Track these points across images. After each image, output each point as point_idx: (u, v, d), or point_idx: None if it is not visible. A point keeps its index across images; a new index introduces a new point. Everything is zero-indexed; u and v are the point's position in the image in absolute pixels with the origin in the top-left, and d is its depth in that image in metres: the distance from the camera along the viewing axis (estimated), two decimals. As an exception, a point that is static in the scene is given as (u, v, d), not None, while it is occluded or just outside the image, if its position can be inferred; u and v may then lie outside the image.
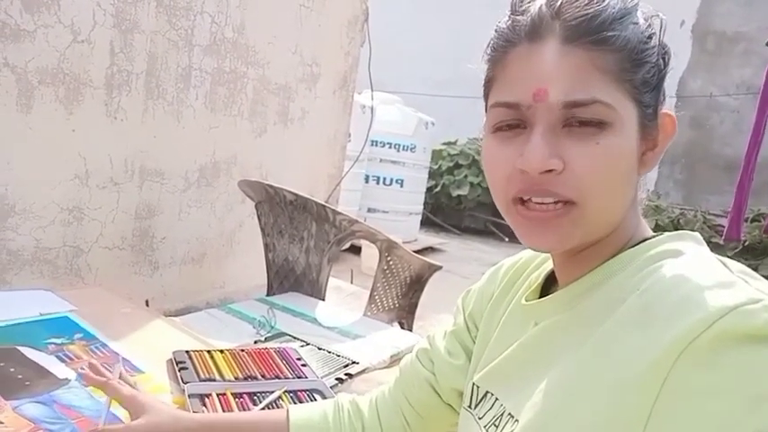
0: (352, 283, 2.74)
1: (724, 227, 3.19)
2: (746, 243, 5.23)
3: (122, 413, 0.87)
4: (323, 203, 1.91)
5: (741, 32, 7.11)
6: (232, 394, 1.00)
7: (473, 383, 0.66)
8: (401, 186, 5.68)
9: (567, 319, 0.55)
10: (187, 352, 1.11)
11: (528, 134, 0.51)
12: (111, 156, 2.00)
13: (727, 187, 5.87)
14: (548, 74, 0.50)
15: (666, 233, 0.55)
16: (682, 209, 6.29)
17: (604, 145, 0.50)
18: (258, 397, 1.01)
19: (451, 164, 7.41)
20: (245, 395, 1.01)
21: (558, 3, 0.50)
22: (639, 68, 0.51)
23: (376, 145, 5.41)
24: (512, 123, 0.53)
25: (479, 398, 0.64)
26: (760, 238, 5.13)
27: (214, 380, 1.03)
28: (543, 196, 0.51)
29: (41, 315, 1.19)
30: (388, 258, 2.00)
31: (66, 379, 0.95)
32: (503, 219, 0.57)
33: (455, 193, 7.24)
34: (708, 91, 7.16)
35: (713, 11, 7.30)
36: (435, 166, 7.19)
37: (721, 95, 7.16)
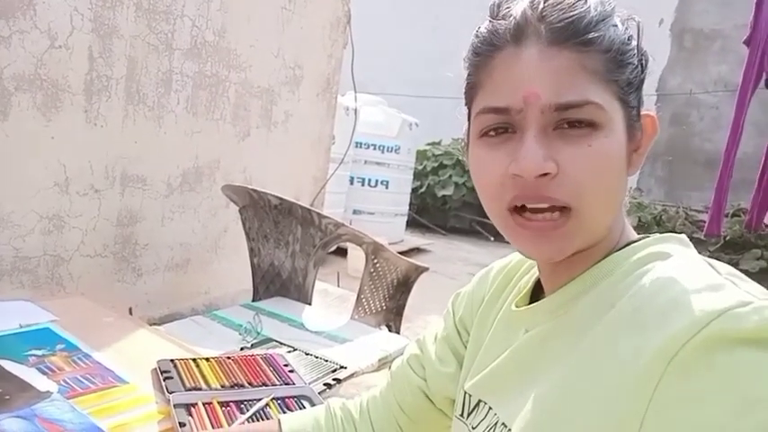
0: (338, 286, 2.73)
1: (705, 222, 3.23)
2: (727, 238, 5.31)
3: (105, 424, 0.86)
4: (308, 207, 1.90)
5: (717, 30, 7.23)
6: (218, 403, 0.99)
7: (465, 391, 0.65)
8: (386, 188, 5.69)
9: (557, 327, 0.54)
10: (172, 361, 1.09)
11: (519, 138, 0.51)
12: (92, 162, 1.97)
13: (707, 183, 5.95)
14: (537, 76, 0.49)
15: (652, 236, 0.55)
16: (664, 205, 6.38)
17: (596, 147, 0.49)
18: (245, 405, 0.99)
19: (436, 164, 7.43)
20: (231, 404, 0.99)
21: (541, 6, 0.50)
22: (624, 69, 0.51)
23: (360, 147, 5.41)
24: (500, 128, 0.52)
25: (472, 406, 0.63)
26: (741, 232, 5.21)
27: (200, 389, 1.02)
28: (538, 202, 0.51)
29: (21, 327, 1.16)
30: (375, 261, 1.99)
31: (48, 392, 0.93)
32: (488, 218, 0.56)
33: (440, 193, 7.26)
34: (687, 88, 7.27)
35: (690, 9, 7.41)
36: (420, 167, 7.21)
37: (700, 92, 7.27)
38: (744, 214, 4.94)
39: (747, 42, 2.61)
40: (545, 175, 0.49)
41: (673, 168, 7.07)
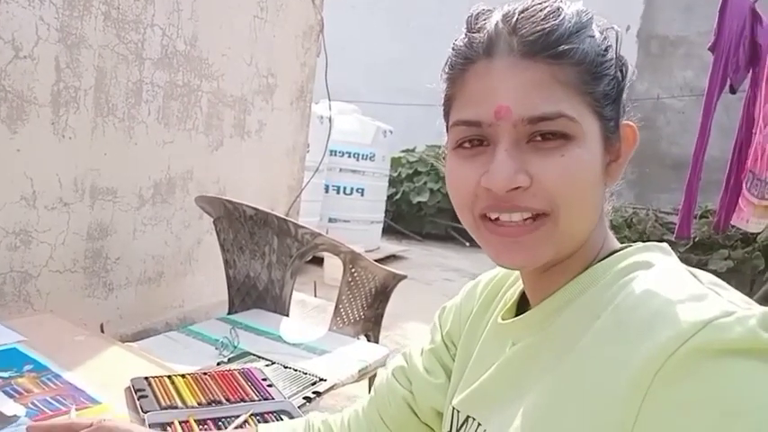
0: (315, 295, 2.71)
1: (674, 224, 3.30)
2: (696, 239, 5.42)
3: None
4: (284, 217, 1.88)
5: (682, 37, 7.43)
6: (195, 421, 0.96)
7: (453, 407, 0.64)
8: (362, 195, 5.68)
9: (543, 340, 0.54)
10: (146, 378, 1.06)
11: (492, 151, 0.51)
12: (60, 175, 1.92)
13: (675, 185, 6.08)
14: (508, 90, 0.49)
15: (634, 245, 0.55)
16: (634, 208, 6.49)
17: (569, 156, 0.49)
18: (223, 422, 0.97)
19: (411, 171, 7.46)
20: (209, 421, 0.97)
21: (515, 19, 0.50)
22: (599, 81, 0.51)
23: (335, 155, 5.39)
24: (474, 140, 0.52)
25: (460, 423, 0.62)
26: (709, 234, 5.32)
27: (176, 407, 0.99)
28: (511, 212, 0.51)
29: (-14, 348, 1.12)
30: (353, 270, 1.98)
31: (15, 416, 0.89)
32: None
33: (415, 199, 7.28)
34: (654, 93, 7.44)
35: (656, 16, 7.61)
36: (395, 174, 7.22)
37: (667, 97, 7.45)
38: (711, 216, 5.05)
39: (712, 49, 2.67)
40: (517, 188, 0.49)
41: (642, 171, 7.21)
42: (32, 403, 0.94)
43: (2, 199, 1.76)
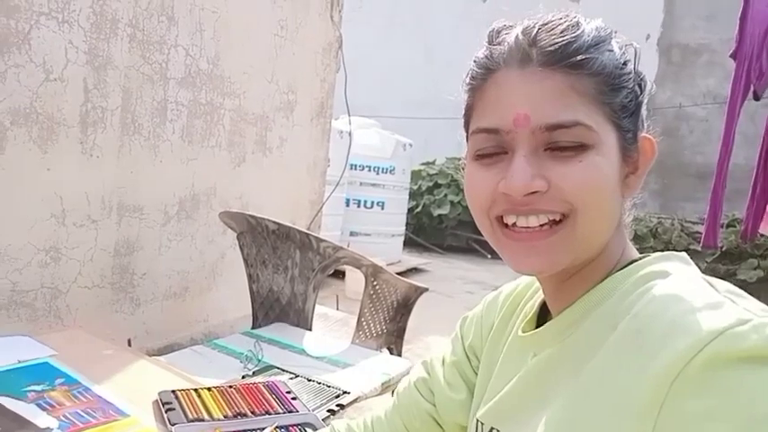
0: (337, 309, 2.71)
1: (701, 233, 3.24)
2: (724, 248, 5.32)
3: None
4: (306, 231, 1.90)
5: (704, 44, 7.34)
6: (222, 434, 0.97)
7: (477, 420, 0.64)
8: (382, 208, 5.70)
9: (563, 350, 0.54)
10: (173, 392, 1.08)
11: (510, 158, 0.52)
12: (88, 193, 1.97)
13: (700, 194, 5.99)
14: (527, 98, 0.50)
15: (653, 254, 0.55)
16: (659, 218, 6.39)
17: (587, 163, 0.50)
18: (249, 435, 0.98)
19: (431, 184, 7.46)
20: (235, 434, 0.98)
21: (534, 31, 0.51)
22: (617, 93, 0.52)
23: (355, 169, 5.43)
24: (493, 149, 0.53)
25: None
26: (736, 243, 5.22)
27: (203, 419, 1.01)
28: (528, 215, 0.51)
29: (20, 362, 1.15)
30: (374, 283, 1.98)
31: (48, 428, 0.92)
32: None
33: (436, 212, 7.27)
34: (676, 102, 7.35)
35: (677, 24, 7.54)
36: (415, 187, 7.23)
37: (689, 105, 7.35)
38: (738, 224, 4.95)
39: (734, 56, 2.64)
40: (534, 192, 0.50)
41: (666, 181, 7.12)
42: (64, 416, 0.96)
43: (33, 217, 1.81)
